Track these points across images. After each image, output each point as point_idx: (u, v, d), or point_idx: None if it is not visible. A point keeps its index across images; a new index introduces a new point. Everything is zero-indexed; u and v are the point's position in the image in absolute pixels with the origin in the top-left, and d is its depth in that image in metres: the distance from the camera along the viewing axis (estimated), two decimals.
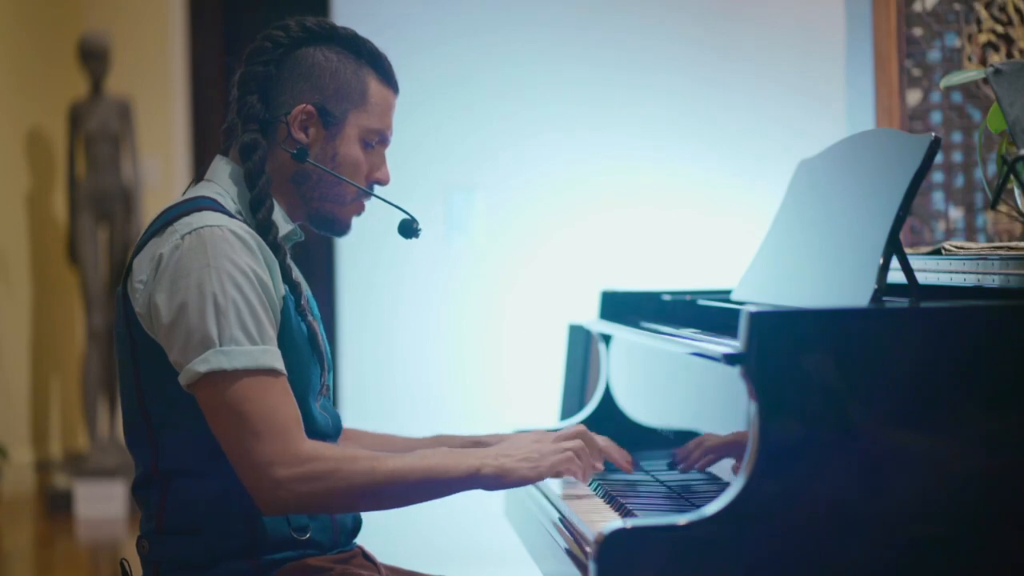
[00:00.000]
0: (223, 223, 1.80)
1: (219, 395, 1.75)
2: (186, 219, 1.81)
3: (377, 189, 2.00)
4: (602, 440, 2.05)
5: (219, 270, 1.77)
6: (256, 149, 1.90)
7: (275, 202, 1.91)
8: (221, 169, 1.93)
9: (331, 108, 1.92)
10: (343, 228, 1.98)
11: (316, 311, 1.96)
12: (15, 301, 6.56)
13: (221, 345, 1.75)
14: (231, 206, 1.88)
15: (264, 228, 1.86)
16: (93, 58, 6.18)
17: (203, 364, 1.74)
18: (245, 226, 1.83)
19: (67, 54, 6.71)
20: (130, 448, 1.90)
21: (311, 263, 5.80)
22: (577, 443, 1.90)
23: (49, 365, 6.81)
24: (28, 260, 6.69)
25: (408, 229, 2.05)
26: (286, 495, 1.74)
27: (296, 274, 1.90)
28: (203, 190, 1.90)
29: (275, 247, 1.86)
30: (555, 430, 2.42)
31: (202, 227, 1.79)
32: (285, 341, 1.83)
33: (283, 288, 1.85)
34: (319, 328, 1.94)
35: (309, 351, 1.90)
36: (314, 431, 1.86)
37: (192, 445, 1.81)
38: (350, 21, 3.68)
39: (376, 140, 1.96)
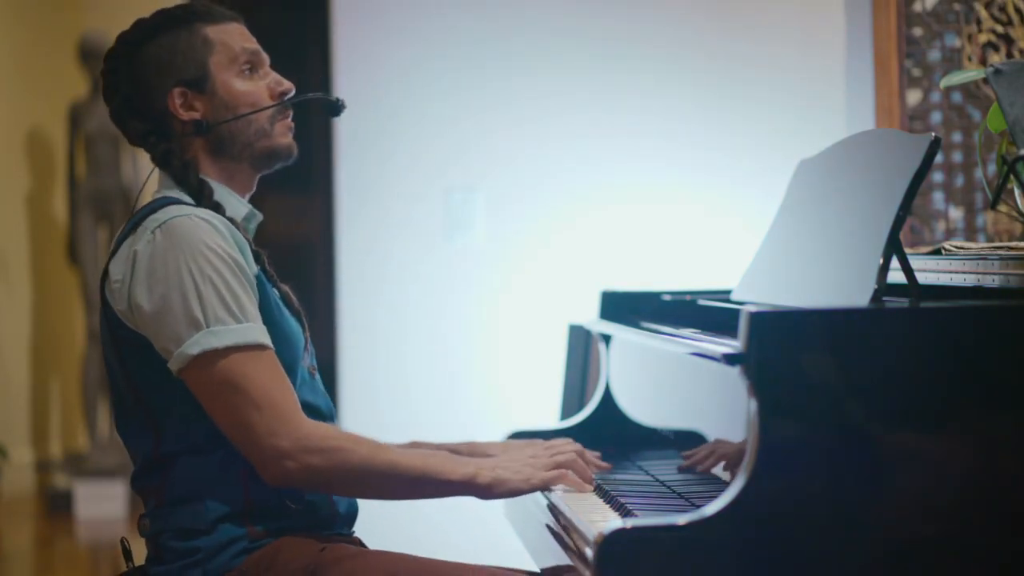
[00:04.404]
0: (189, 212, 1.87)
1: (214, 374, 1.79)
2: (154, 216, 1.88)
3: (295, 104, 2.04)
4: (591, 455, 2.10)
5: (194, 255, 1.82)
6: (170, 154, 1.97)
7: (218, 184, 1.97)
8: (163, 180, 2.00)
9: (193, 74, 1.97)
10: (287, 152, 2.02)
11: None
12: (15, 301, 6.56)
13: (208, 326, 1.80)
14: (189, 202, 1.94)
15: (217, 210, 1.92)
16: (93, 58, 6.18)
17: (194, 347, 1.79)
18: (211, 211, 1.89)
19: (67, 54, 6.71)
20: (127, 442, 1.94)
21: (312, 263, 5.80)
22: (568, 457, 1.95)
23: (49, 365, 6.81)
24: (28, 260, 6.69)
25: (332, 107, 2.08)
26: (292, 465, 1.78)
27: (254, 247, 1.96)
28: (164, 193, 1.97)
29: (232, 222, 1.92)
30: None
31: (170, 219, 1.85)
32: (266, 310, 1.88)
33: (255, 266, 1.90)
34: (290, 289, 1.99)
35: (288, 313, 1.95)
36: (306, 401, 1.90)
37: (193, 427, 1.85)
38: (351, 23, 3.68)
39: (248, 65, 2.00)
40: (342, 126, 3.60)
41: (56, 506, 5.94)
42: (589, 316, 2.72)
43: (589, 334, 2.94)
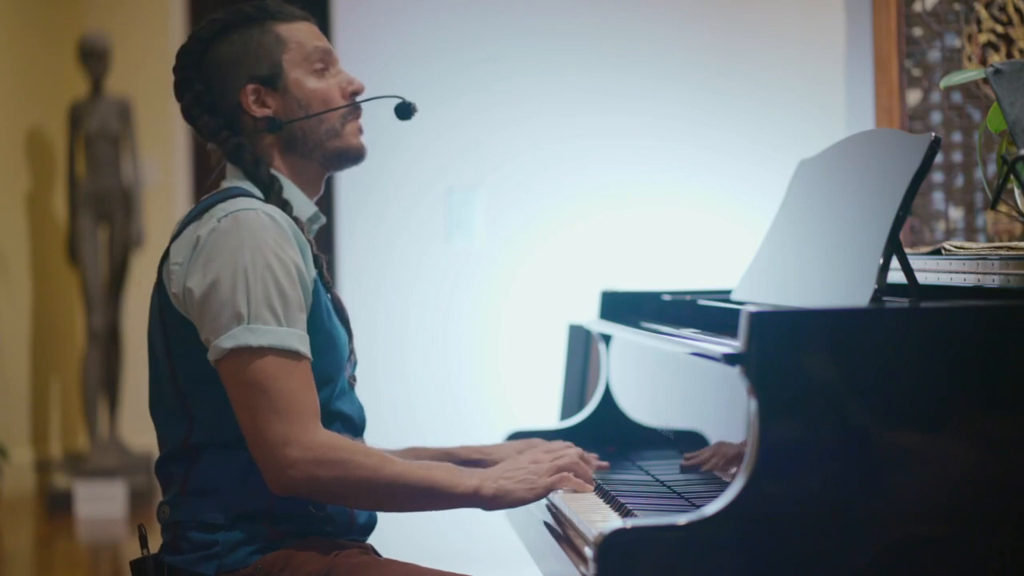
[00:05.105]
0: (258, 207, 1.86)
1: (243, 371, 1.79)
2: (222, 204, 1.88)
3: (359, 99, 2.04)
4: (589, 457, 2.09)
5: (252, 251, 1.82)
6: (241, 149, 1.97)
7: (288, 181, 1.97)
8: (232, 172, 2.00)
9: (266, 71, 1.97)
10: (357, 152, 2.02)
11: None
12: (15, 301, 6.56)
13: (249, 323, 1.80)
14: (258, 195, 1.94)
15: (284, 208, 1.92)
16: (93, 58, 6.18)
17: (230, 340, 1.79)
18: (279, 210, 1.89)
19: (67, 54, 6.71)
20: (158, 426, 1.94)
21: None
22: (570, 459, 1.95)
23: (49, 365, 6.81)
24: (28, 260, 6.69)
25: (405, 110, 2.08)
26: (297, 475, 1.78)
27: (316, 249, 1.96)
28: (233, 183, 1.97)
29: (297, 222, 1.92)
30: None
31: (238, 210, 1.85)
32: (317, 316, 1.88)
33: (314, 271, 1.90)
34: (341, 299, 2.00)
35: (338, 321, 1.95)
36: (340, 411, 1.92)
37: (226, 420, 1.85)
38: (351, 23, 3.68)
39: (321, 64, 2.00)
40: None
41: (56, 506, 5.94)
42: (589, 316, 2.72)
43: (589, 334, 2.94)
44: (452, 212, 3.60)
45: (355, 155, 2.02)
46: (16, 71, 6.65)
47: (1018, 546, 1.62)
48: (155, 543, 1.93)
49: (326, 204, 3.95)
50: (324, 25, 3.70)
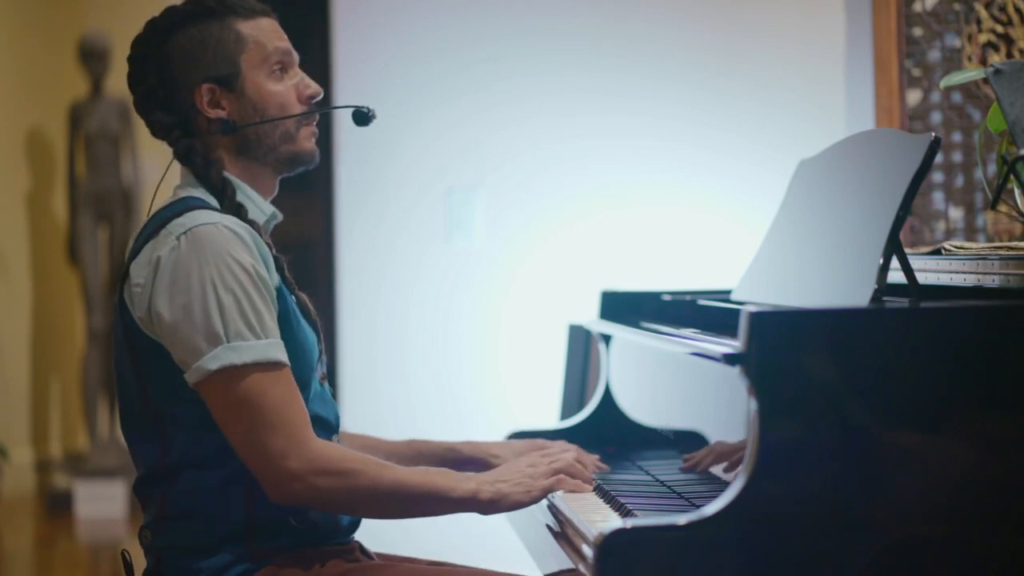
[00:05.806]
0: (216, 220, 1.83)
1: (231, 391, 1.77)
2: (179, 220, 1.84)
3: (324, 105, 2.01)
4: (589, 457, 2.10)
5: (218, 267, 1.79)
6: (192, 151, 1.94)
7: (241, 184, 1.93)
8: (185, 176, 1.96)
9: (223, 72, 1.93)
10: (310, 158, 1.99)
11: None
12: (15, 301, 6.56)
13: (228, 341, 1.77)
14: (213, 203, 1.91)
15: (239, 212, 1.89)
16: (93, 58, 6.18)
17: (214, 361, 1.77)
18: (237, 219, 1.86)
19: (67, 54, 6.71)
20: (133, 448, 1.91)
21: (312, 263, 5.80)
22: (565, 462, 1.94)
23: (49, 365, 6.81)
24: (28, 260, 6.69)
25: (363, 118, 2.05)
26: (301, 487, 1.77)
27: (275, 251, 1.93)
28: (188, 192, 1.93)
29: (254, 226, 1.88)
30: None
31: (196, 226, 1.81)
32: (284, 322, 1.86)
33: (276, 277, 1.87)
34: (306, 297, 1.97)
35: (305, 322, 1.92)
36: (316, 413, 1.89)
37: (203, 440, 1.83)
38: (351, 23, 3.68)
39: (279, 66, 1.96)
40: (342, 126, 3.60)
41: (56, 506, 5.94)
42: (589, 316, 2.72)
43: (589, 334, 2.94)
44: (452, 212, 3.60)
45: (307, 159, 1.98)
46: (16, 71, 6.66)
47: (1018, 546, 1.62)
48: (138, 552, 1.92)
49: (326, 204, 3.94)
50: (324, 25, 3.71)
